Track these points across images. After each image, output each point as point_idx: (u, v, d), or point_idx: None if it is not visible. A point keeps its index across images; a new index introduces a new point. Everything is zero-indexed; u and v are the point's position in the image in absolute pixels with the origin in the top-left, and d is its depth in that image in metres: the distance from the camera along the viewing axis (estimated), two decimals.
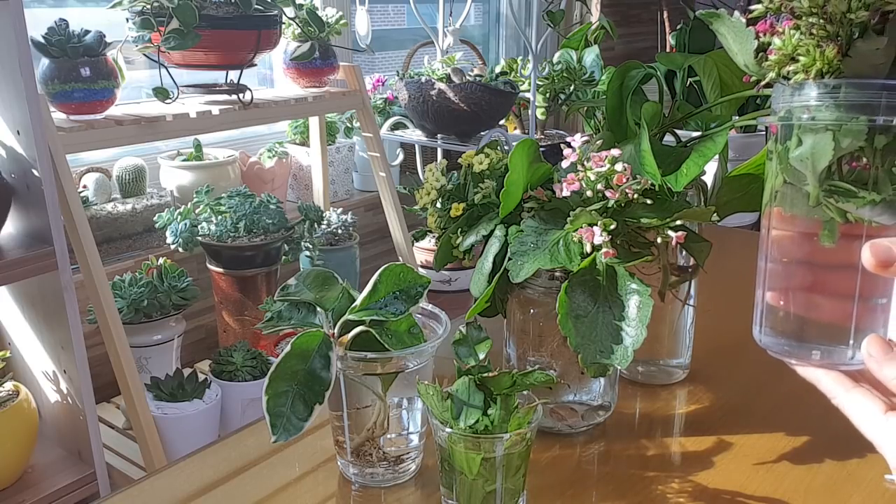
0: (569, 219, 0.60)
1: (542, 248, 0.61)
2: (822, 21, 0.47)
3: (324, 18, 1.75)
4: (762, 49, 0.52)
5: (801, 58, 0.48)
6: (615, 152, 0.61)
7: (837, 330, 0.51)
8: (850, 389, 0.47)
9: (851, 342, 0.49)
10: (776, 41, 0.49)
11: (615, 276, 0.60)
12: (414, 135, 2.04)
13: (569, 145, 0.64)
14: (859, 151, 0.49)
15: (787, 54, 0.48)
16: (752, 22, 0.53)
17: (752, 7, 0.53)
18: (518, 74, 2.15)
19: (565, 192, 0.62)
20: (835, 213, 0.49)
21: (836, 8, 0.46)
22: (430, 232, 1.00)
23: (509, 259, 0.62)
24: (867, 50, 0.47)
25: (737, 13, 0.58)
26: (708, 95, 0.79)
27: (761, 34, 0.52)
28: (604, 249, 0.59)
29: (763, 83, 0.51)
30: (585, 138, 0.64)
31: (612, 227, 0.59)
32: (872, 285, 0.50)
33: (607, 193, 0.60)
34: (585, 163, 0.62)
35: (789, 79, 0.49)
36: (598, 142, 0.65)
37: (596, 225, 0.59)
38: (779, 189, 0.52)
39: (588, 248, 0.59)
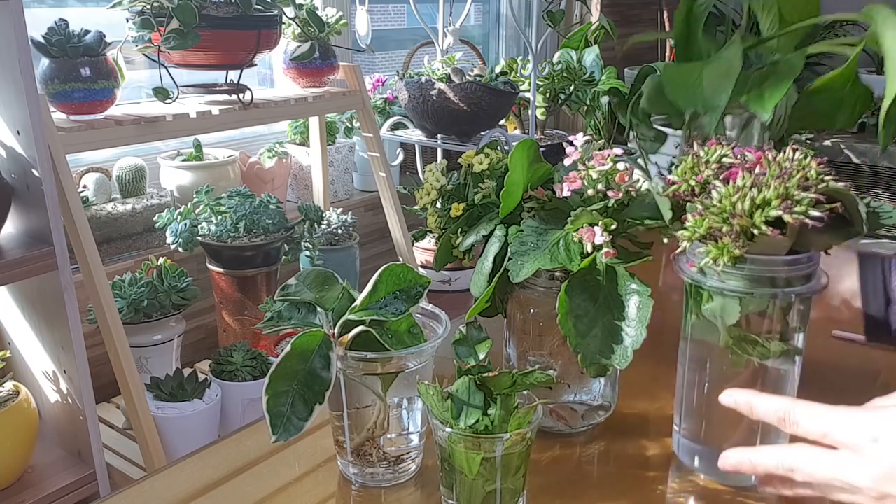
0: (569, 219, 0.60)
1: (542, 248, 0.61)
2: (730, 226, 0.52)
3: (324, 18, 1.75)
4: (676, 217, 0.57)
5: (710, 248, 0.53)
6: (617, 151, 0.61)
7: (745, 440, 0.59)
8: None
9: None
10: (690, 219, 0.54)
11: (615, 276, 0.59)
12: (414, 135, 2.04)
13: (570, 143, 0.64)
14: (765, 308, 0.56)
15: (698, 234, 0.54)
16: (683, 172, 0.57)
17: (673, 171, 0.58)
18: (518, 74, 2.15)
19: (566, 192, 0.62)
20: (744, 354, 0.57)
21: (741, 222, 0.51)
22: (430, 232, 1.00)
23: (509, 259, 0.62)
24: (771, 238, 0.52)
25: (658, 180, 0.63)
26: (764, 33, 0.81)
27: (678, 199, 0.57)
28: (604, 249, 0.59)
29: (679, 250, 0.57)
30: (587, 138, 0.64)
31: (613, 227, 0.59)
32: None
33: (609, 193, 0.60)
34: (587, 161, 0.62)
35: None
36: (599, 142, 0.65)
37: (597, 225, 0.59)
38: (694, 323, 0.60)
39: (588, 248, 0.59)
